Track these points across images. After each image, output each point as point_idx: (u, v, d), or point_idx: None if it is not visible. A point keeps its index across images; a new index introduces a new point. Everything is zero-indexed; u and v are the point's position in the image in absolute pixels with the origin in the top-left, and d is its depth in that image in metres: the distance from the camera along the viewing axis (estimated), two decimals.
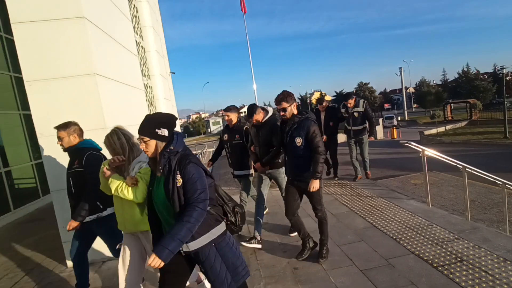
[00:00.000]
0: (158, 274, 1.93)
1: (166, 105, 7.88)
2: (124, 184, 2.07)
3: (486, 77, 50.35)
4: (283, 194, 3.79)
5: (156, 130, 1.73)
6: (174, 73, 10.76)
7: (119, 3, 4.78)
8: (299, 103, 62.02)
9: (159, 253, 1.62)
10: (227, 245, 1.86)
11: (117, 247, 2.54)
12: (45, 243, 4.53)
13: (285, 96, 2.93)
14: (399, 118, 38.98)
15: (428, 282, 2.57)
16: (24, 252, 4.41)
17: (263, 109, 3.62)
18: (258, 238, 3.58)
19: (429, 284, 2.54)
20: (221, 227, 1.87)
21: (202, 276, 2.69)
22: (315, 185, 2.89)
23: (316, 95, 58.94)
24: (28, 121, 7.46)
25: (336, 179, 6.36)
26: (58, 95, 3.38)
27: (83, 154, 2.58)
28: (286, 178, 3.44)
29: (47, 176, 3.48)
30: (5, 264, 4.09)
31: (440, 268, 2.75)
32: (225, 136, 4.05)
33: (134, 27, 6.22)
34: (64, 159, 3.42)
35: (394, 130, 24.00)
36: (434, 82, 59.47)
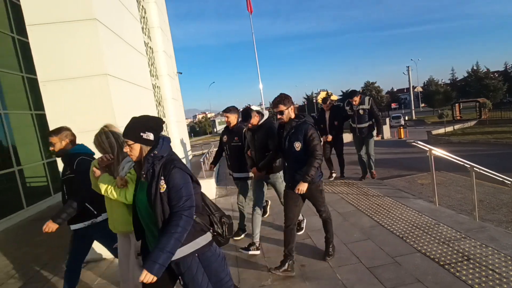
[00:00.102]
0: None
1: (174, 105, 7.99)
2: (114, 185, 2.02)
3: (497, 75, 49.52)
4: (281, 199, 3.74)
5: (141, 134, 1.68)
6: (181, 73, 10.87)
7: (129, 5, 4.88)
8: (305, 102, 61.90)
9: (149, 268, 1.56)
10: (212, 256, 1.79)
11: (113, 247, 2.56)
12: (57, 240, 4.64)
13: (282, 99, 2.86)
14: (406, 118, 38.59)
15: (435, 279, 2.59)
16: (37, 248, 4.54)
17: (258, 112, 3.54)
18: (257, 244, 3.51)
19: (436, 282, 2.56)
20: (206, 237, 1.79)
21: None
22: (302, 187, 2.78)
23: (322, 94, 58.73)
24: (40, 120, 7.64)
25: (343, 178, 6.36)
26: (71, 95, 3.48)
27: (74, 159, 2.53)
28: (284, 183, 3.38)
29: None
30: (20, 259, 4.22)
31: (446, 266, 2.76)
32: (225, 138, 4.00)
33: (142, 28, 6.32)
34: None
35: (401, 129, 23.77)
36: (443, 81, 58.67)
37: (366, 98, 5.74)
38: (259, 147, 3.47)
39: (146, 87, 5.32)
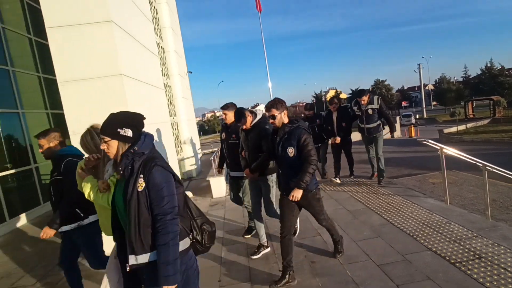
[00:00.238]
0: None
1: (184, 103, 8.10)
2: (97, 188, 1.96)
3: None
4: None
5: (118, 130, 1.59)
6: (191, 72, 10.99)
7: (142, 6, 4.99)
8: (314, 101, 61.50)
9: (166, 283, 1.50)
10: (184, 265, 1.65)
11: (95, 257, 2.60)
12: None
13: (275, 103, 2.81)
14: (417, 116, 38.01)
15: (445, 277, 2.61)
16: (54, 243, 4.70)
17: (251, 112, 3.45)
18: (265, 243, 3.49)
19: (446, 280, 2.57)
20: (184, 243, 1.65)
21: None
22: (296, 194, 2.69)
23: (331, 93, 58.30)
24: (56, 119, 7.86)
25: (352, 177, 6.35)
26: (88, 95, 3.60)
27: (62, 161, 2.50)
28: (274, 187, 3.38)
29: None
30: (39, 253, 4.39)
31: (457, 265, 2.77)
32: (223, 135, 3.95)
33: (154, 28, 6.44)
34: None
35: (412, 128, 23.47)
36: (455, 78, 57.49)
37: (375, 97, 5.57)
38: (252, 148, 3.38)
39: (158, 86, 5.43)
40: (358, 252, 3.24)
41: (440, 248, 3.10)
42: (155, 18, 6.97)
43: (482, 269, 2.67)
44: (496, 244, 3.06)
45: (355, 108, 5.75)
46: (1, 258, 4.39)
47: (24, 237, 5.37)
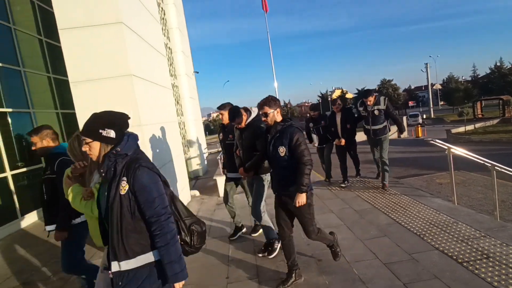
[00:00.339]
0: None
1: (191, 103, 8.17)
2: (81, 196, 1.90)
3: None
4: (248, 199, 3.77)
5: (100, 131, 1.53)
6: (197, 72, 11.08)
7: (150, 7, 5.06)
8: (320, 101, 61.29)
9: (174, 280, 1.51)
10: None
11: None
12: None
13: (268, 101, 2.73)
14: (424, 116, 37.66)
15: (452, 276, 2.61)
16: None
17: (246, 110, 3.38)
18: (275, 243, 3.39)
19: (453, 279, 2.58)
20: None
21: None
22: (300, 199, 2.58)
23: (337, 93, 58.06)
24: (65, 119, 8.01)
25: (358, 177, 6.33)
26: (99, 95, 3.68)
27: (55, 160, 2.47)
28: (266, 187, 3.34)
29: None
30: (51, 249, 4.48)
31: (465, 264, 2.77)
32: (220, 136, 3.92)
33: (162, 29, 6.52)
34: None
35: (419, 128, 23.28)
36: (463, 78, 56.82)
37: (382, 98, 5.40)
38: (246, 147, 3.33)
39: (166, 86, 5.50)
40: (364, 251, 3.26)
41: (447, 247, 3.10)
42: (163, 19, 7.06)
43: (490, 269, 2.67)
44: (504, 244, 3.05)
45: (360, 108, 5.59)
46: (13, 254, 4.50)
47: (36, 234, 5.49)
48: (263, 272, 3.09)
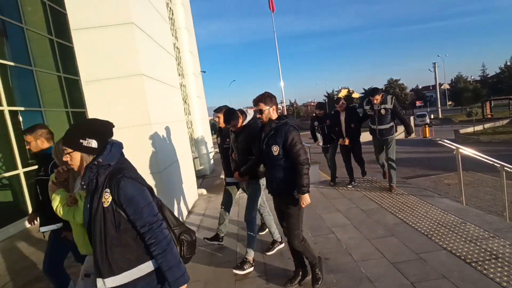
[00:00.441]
0: None
1: (198, 102, 8.24)
2: (64, 202, 1.86)
3: None
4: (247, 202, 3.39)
5: (81, 141, 1.46)
6: (204, 71, 11.15)
7: (160, 8, 5.13)
8: (326, 101, 61.05)
9: (176, 285, 1.48)
10: None
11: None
12: None
13: (264, 97, 2.64)
14: (432, 116, 37.27)
15: (461, 276, 2.61)
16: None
17: (242, 112, 3.28)
18: (278, 239, 3.36)
19: (461, 278, 2.58)
20: (152, 264, 1.52)
21: None
22: (304, 200, 2.50)
23: (343, 92, 57.76)
24: (75, 118, 8.14)
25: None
26: (110, 94, 3.75)
27: (49, 161, 2.43)
28: (259, 191, 3.25)
29: None
30: None
31: (473, 264, 2.77)
32: (218, 140, 3.84)
33: (170, 29, 6.59)
34: None
35: (427, 128, 23.06)
36: (472, 77, 56.00)
37: (389, 97, 5.18)
38: (241, 150, 3.23)
39: (175, 86, 5.57)
40: (372, 250, 3.27)
41: (455, 247, 3.09)
42: (171, 19, 7.12)
43: (499, 269, 2.66)
44: None
45: (367, 107, 5.37)
46: (26, 250, 4.61)
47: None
48: (270, 270, 3.13)
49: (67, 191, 1.94)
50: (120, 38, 3.68)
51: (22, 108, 6.39)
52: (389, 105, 5.12)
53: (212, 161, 10.03)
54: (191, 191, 5.94)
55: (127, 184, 1.44)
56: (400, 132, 5.73)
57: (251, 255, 3.19)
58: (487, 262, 2.79)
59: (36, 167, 6.19)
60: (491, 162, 4.08)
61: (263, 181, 3.25)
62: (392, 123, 5.16)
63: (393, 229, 3.70)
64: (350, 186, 5.79)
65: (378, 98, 5.12)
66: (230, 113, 3.20)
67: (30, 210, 6.15)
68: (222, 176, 3.85)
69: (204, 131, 9.45)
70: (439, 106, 43.74)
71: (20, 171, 6.04)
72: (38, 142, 2.53)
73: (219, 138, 3.83)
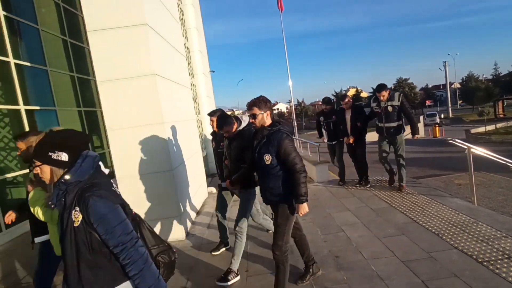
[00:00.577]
0: None
1: (208, 102, 8.33)
2: (42, 202, 1.79)
3: None
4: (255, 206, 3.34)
5: (50, 154, 1.37)
6: (213, 71, 11.25)
7: (171, 9, 5.21)
8: (333, 100, 60.74)
9: None
10: None
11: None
12: None
13: (259, 101, 2.51)
14: (442, 116, 36.75)
15: (472, 275, 2.62)
16: None
17: (236, 118, 3.18)
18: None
19: (473, 277, 2.59)
20: (127, 285, 1.42)
21: None
22: (302, 210, 2.43)
23: (352, 92, 57.31)
24: (87, 117, 8.31)
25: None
26: (124, 94, 3.84)
27: None
28: (251, 201, 3.14)
29: (114, 164, 3.97)
30: None
31: (485, 263, 2.77)
32: (212, 144, 3.75)
33: (181, 29, 6.68)
34: (129, 149, 3.90)
35: (437, 128, 22.78)
36: (484, 76, 55.00)
37: (396, 94, 4.97)
38: (234, 157, 3.13)
39: (186, 85, 5.66)
40: (382, 248, 3.29)
41: (466, 247, 3.09)
42: (181, 19, 7.22)
43: None
44: None
45: (374, 104, 5.18)
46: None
47: None
48: None
49: (45, 191, 1.85)
50: (134, 39, 3.77)
51: (37, 108, 6.56)
52: (396, 102, 4.92)
53: None
54: (201, 189, 6.02)
55: (96, 202, 1.33)
56: (409, 132, 5.61)
57: (235, 266, 3.06)
58: (499, 261, 2.78)
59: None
60: (504, 162, 4.04)
61: (255, 191, 3.15)
62: (400, 122, 4.99)
63: (403, 228, 3.70)
64: (359, 185, 5.78)
65: (384, 94, 4.95)
66: (223, 119, 3.09)
67: None
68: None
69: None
70: (450, 105, 43.06)
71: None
72: (29, 149, 2.42)
73: (213, 142, 3.74)
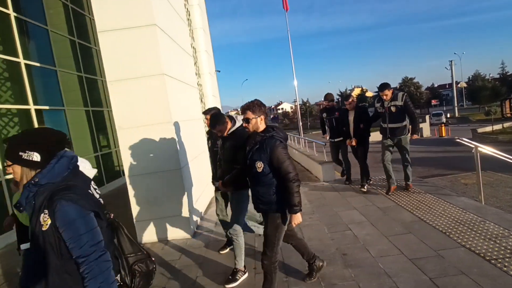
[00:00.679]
0: None
1: (214, 101, 8.39)
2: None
3: None
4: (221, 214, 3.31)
5: (20, 153, 1.31)
6: (219, 71, 11.31)
7: (179, 9, 5.27)
8: (338, 100, 60.53)
9: None
10: None
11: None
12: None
13: (253, 105, 2.42)
14: (448, 115, 36.45)
15: (480, 273, 2.63)
16: None
17: (231, 118, 3.11)
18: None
19: (481, 275, 2.60)
20: None
21: None
22: (295, 220, 2.34)
23: (357, 91, 57.07)
24: (96, 116, 8.43)
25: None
26: (133, 93, 3.91)
27: None
28: (245, 203, 3.05)
29: (124, 163, 4.03)
30: None
31: (493, 261, 2.78)
32: (208, 143, 3.71)
33: (188, 29, 6.74)
34: (138, 148, 3.97)
35: (443, 127, 22.62)
36: (491, 75, 54.39)
37: (400, 94, 4.84)
38: (227, 158, 3.05)
39: (193, 85, 5.72)
40: (389, 246, 3.31)
41: (474, 245, 3.10)
42: (188, 19, 7.28)
43: None
44: None
45: (377, 104, 5.06)
46: None
47: None
48: (288, 264, 3.21)
49: None
50: (144, 39, 3.83)
51: (46, 107, 6.68)
52: (399, 102, 4.78)
53: None
54: (208, 187, 6.08)
55: (65, 206, 1.26)
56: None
57: (241, 264, 3.05)
58: (507, 259, 2.79)
59: None
60: (511, 161, 4.03)
61: (248, 192, 3.01)
62: (405, 122, 4.86)
63: (410, 227, 3.72)
64: (366, 185, 5.77)
65: (387, 93, 4.83)
66: (216, 118, 3.02)
67: None
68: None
69: None
70: (456, 104, 42.70)
71: None
72: None
73: (209, 141, 3.67)
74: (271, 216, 2.42)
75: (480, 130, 20.63)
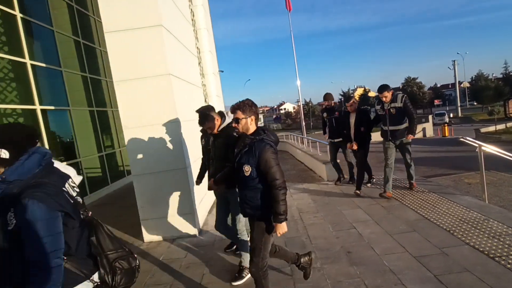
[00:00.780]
0: None
1: (218, 102, 8.43)
2: None
3: None
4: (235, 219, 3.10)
5: None
6: (222, 71, 11.35)
7: (183, 10, 5.32)
8: (341, 99, 60.40)
9: None
10: None
11: None
12: (122, 222, 5.24)
13: (244, 105, 2.30)
14: (451, 115, 36.33)
15: (484, 270, 2.65)
16: None
17: (222, 115, 3.05)
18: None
19: (485, 272, 2.62)
20: None
21: None
22: (280, 230, 2.21)
23: (359, 91, 56.95)
24: (100, 116, 8.49)
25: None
26: (139, 93, 3.95)
27: None
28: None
29: (130, 162, 4.08)
30: None
31: (497, 259, 2.80)
32: (202, 141, 3.62)
33: (192, 30, 6.78)
34: (144, 147, 4.01)
35: (446, 127, 22.55)
36: (494, 75, 54.17)
37: (399, 95, 4.74)
38: (218, 156, 3.00)
39: (198, 85, 5.76)
40: (394, 244, 3.34)
41: (478, 243, 3.12)
42: (192, 20, 7.32)
43: None
44: None
45: (378, 107, 4.99)
46: None
47: None
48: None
49: None
50: (150, 40, 3.88)
51: (52, 107, 6.75)
52: (398, 104, 4.70)
53: None
54: None
55: (31, 205, 1.19)
56: (417, 131, 5.49)
57: (247, 262, 2.98)
58: (511, 257, 2.81)
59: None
60: None
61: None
62: (405, 124, 4.77)
63: (414, 225, 3.74)
64: (370, 184, 5.79)
65: (387, 95, 4.73)
66: (204, 114, 2.97)
67: None
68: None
69: None
70: (459, 104, 42.57)
71: None
72: None
73: (203, 139, 3.55)
74: (258, 222, 2.33)
75: (483, 130, 20.59)
